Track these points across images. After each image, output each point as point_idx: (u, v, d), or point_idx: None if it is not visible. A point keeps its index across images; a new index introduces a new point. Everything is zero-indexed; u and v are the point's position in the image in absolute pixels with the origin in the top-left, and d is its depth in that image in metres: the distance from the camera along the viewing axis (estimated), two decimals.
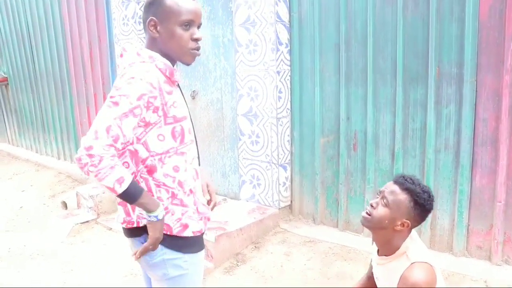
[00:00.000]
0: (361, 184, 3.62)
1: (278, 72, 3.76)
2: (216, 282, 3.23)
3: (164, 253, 1.64)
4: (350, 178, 3.69)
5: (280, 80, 3.79)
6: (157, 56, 1.62)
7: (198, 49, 1.67)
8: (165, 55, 1.64)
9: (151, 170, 1.61)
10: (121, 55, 1.66)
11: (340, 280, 3.13)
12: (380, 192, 1.94)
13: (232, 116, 4.21)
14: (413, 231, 1.99)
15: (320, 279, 3.17)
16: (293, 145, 4.00)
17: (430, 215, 1.98)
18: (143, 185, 1.62)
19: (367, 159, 3.53)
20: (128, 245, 1.81)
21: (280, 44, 3.74)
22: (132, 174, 1.61)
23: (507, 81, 2.82)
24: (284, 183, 4.01)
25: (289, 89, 3.89)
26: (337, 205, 3.79)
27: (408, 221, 1.88)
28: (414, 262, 1.84)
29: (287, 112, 3.90)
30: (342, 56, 3.54)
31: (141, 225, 1.64)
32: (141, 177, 1.62)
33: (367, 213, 1.93)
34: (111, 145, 1.45)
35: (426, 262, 1.85)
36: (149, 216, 1.55)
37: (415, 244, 1.94)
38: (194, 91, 4.49)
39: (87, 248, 3.90)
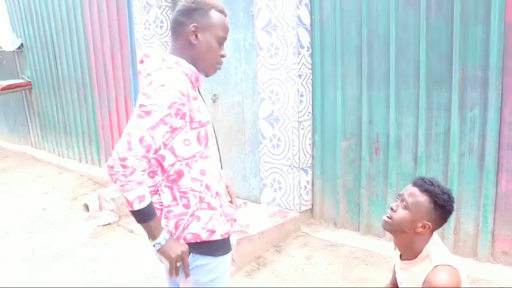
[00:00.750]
0: (383, 188, 3.59)
1: (300, 76, 3.76)
2: (237, 286, 3.23)
3: (195, 260, 1.64)
4: (372, 182, 3.66)
5: (301, 84, 3.79)
6: (183, 62, 1.63)
7: (221, 64, 1.74)
8: (192, 62, 1.65)
9: (178, 176, 1.61)
10: (142, 61, 1.66)
11: (362, 284, 3.11)
12: (400, 195, 1.93)
13: (253, 120, 4.22)
14: (435, 234, 1.97)
15: (342, 283, 3.15)
16: (314, 148, 3.99)
17: (451, 218, 1.97)
18: (167, 194, 1.62)
19: (390, 162, 3.50)
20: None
21: (302, 47, 3.74)
22: (157, 183, 1.63)
23: None
24: (305, 187, 4.00)
25: (311, 93, 3.89)
26: (359, 209, 3.77)
27: (429, 223, 1.86)
28: (437, 265, 1.82)
29: (308, 115, 3.90)
30: (364, 59, 3.53)
31: (174, 236, 1.65)
32: (165, 186, 1.63)
33: (388, 216, 1.93)
34: (144, 156, 1.49)
35: (449, 265, 1.83)
36: (153, 245, 1.59)
37: (437, 247, 1.92)
38: (215, 94, 4.52)
39: (109, 250, 3.94)
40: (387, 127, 3.49)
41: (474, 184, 3.11)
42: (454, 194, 3.14)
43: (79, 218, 4.67)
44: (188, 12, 1.64)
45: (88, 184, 5.83)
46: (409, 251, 1.95)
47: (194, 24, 1.62)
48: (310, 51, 3.82)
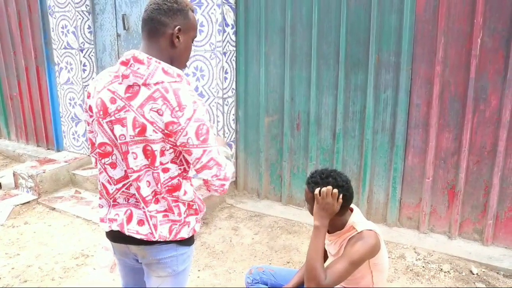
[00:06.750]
0: (303, 161, 3.85)
1: (225, 53, 3.83)
2: None
3: (177, 250, 1.76)
4: (293, 156, 3.90)
5: (226, 61, 3.86)
6: (181, 72, 1.63)
7: None
8: (169, 61, 1.64)
9: (175, 189, 1.66)
10: (128, 63, 1.56)
11: (287, 253, 3.36)
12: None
13: None
14: (355, 207, 2.24)
15: (268, 252, 3.38)
16: (238, 124, 4.12)
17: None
18: (164, 203, 1.68)
19: (310, 138, 3.74)
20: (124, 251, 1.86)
21: (227, 25, 3.80)
22: (152, 192, 1.67)
23: (438, 71, 3.11)
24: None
25: (235, 70, 3.98)
26: (281, 181, 4.01)
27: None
28: (363, 230, 2.09)
29: (232, 92, 4.00)
30: (287, 39, 3.67)
31: (168, 239, 1.72)
32: (162, 198, 1.67)
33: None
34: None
35: (372, 230, 2.10)
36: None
37: (360, 218, 2.20)
38: None
39: (31, 230, 3.83)
40: (308, 105, 3.71)
41: (385, 159, 3.45)
42: (368, 168, 3.51)
43: None
44: (172, 13, 1.60)
45: None
46: (336, 225, 2.19)
47: (179, 26, 1.60)
48: (235, 29, 3.89)
